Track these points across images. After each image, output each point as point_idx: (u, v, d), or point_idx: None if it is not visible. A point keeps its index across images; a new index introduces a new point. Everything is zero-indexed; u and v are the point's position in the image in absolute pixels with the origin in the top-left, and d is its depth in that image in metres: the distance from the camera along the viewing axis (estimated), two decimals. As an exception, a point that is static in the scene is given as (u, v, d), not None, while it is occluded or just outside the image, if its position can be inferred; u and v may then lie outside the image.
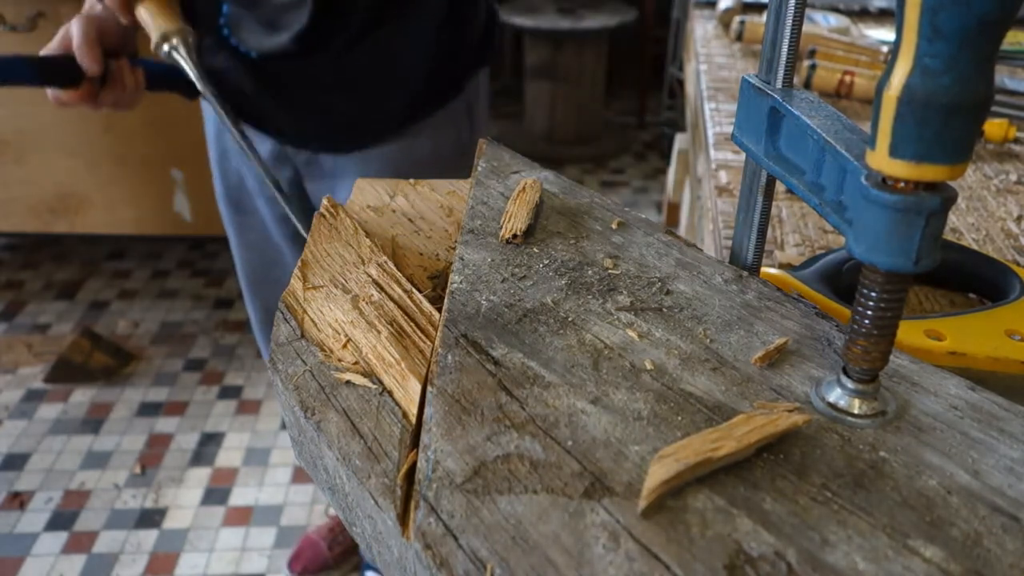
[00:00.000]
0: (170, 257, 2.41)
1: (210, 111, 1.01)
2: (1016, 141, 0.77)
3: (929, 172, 0.26)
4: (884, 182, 0.27)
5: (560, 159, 3.14)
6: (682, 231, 1.49)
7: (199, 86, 0.65)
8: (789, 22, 0.34)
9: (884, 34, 1.20)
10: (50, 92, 0.80)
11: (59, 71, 0.78)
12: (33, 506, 1.56)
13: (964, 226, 0.62)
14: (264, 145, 0.98)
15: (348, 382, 0.34)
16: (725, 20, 1.23)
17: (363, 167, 0.94)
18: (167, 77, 0.86)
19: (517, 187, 0.48)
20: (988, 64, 0.24)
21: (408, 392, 0.33)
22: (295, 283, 0.42)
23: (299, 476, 1.64)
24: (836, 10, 1.30)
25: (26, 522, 1.53)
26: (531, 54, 3.12)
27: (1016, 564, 0.25)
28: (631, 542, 0.25)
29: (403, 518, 0.29)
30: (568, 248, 0.43)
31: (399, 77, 0.91)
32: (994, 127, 0.76)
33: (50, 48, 0.80)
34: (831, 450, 0.29)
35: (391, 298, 0.40)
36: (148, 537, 1.50)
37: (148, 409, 1.82)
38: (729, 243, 0.44)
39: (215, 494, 1.60)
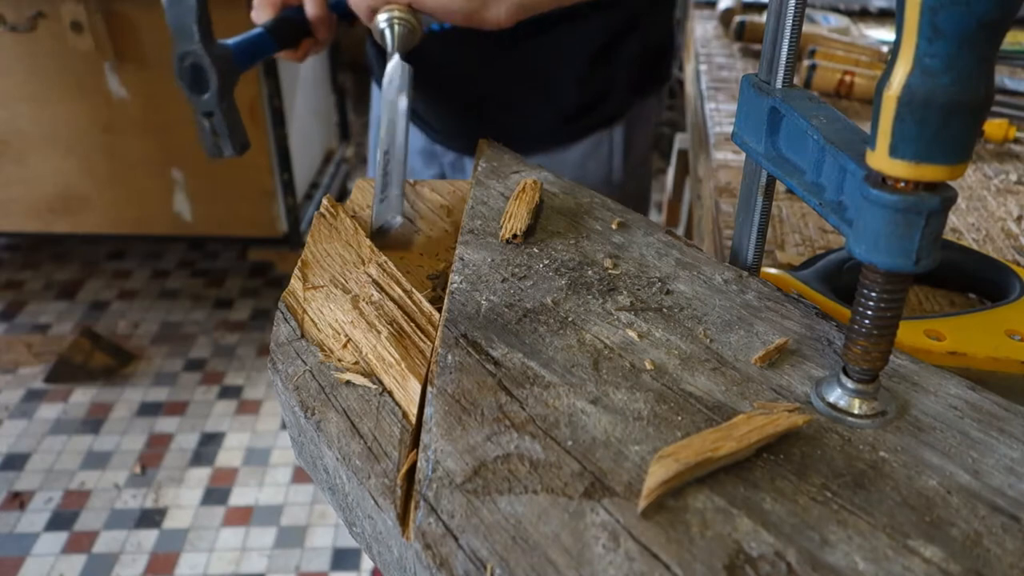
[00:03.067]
0: (170, 257, 2.41)
1: (379, 98, 1.00)
2: (1016, 141, 0.77)
3: (929, 172, 0.26)
4: (884, 182, 0.27)
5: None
6: (682, 231, 1.49)
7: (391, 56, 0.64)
8: (789, 22, 0.34)
9: (884, 34, 1.20)
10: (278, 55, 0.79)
11: (288, 36, 0.76)
12: (33, 506, 1.56)
13: (964, 226, 0.62)
14: (416, 140, 0.97)
15: (348, 382, 0.34)
16: (725, 20, 1.23)
17: None
18: (342, 10, 0.83)
19: (517, 187, 0.48)
20: (988, 64, 0.24)
21: (408, 392, 0.33)
22: (295, 283, 0.42)
23: (299, 476, 1.64)
24: (836, 10, 1.30)
25: (26, 522, 1.53)
26: (531, 54, 3.11)
27: (1016, 564, 0.25)
28: (631, 542, 0.25)
29: (403, 518, 0.29)
30: (568, 248, 0.43)
31: (547, 95, 0.88)
32: (994, 127, 0.76)
33: (264, 6, 0.77)
34: (831, 450, 0.29)
35: (391, 298, 0.40)
36: (148, 537, 1.50)
37: (148, 409, 1.82)
38: (729, 243, 0.44)
39: (215, 494, 1.60)
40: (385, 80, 0.58)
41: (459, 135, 0.95)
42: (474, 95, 0.91)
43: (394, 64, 0.59)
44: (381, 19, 0.64)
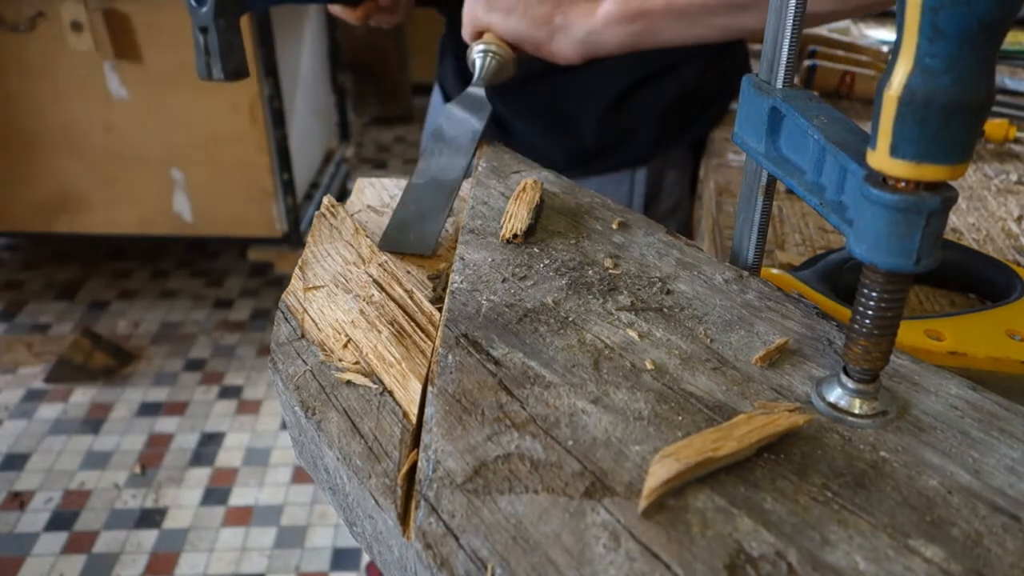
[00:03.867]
0: (170, 257, 2.41)
1: (438, 95, 1.02)
2: (1016, 141, 0.77)
3: (929, 172, 0.26)
4: (884, 182, 0.27)
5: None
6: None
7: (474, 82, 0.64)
8: (789, 22, 0.34)
9: (884, 34, 1.20)
10: (331, 7, 0.80)
11: None
12: (33, 506, 1.56)
13: (964, 226, 0.62)
14: None
15: (349, 382, 0.34)
16: (725, 20, 1.23)
17: None
18: None
19: (518, 187, 0.48)
20: (988, 64, 0.24)
21: (409, 392, 0.33)
22: (295, 283, 0.42)
23: (299, 476, 1.64)
24: (836, 10, 1.30)
25: (26, 522, 1.53)
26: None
27: (1016, 564, 0.25)
28: (632, 542, 0.25)
29: (404, 518, 0.29)
30: (569, 248, 0.43)
31: (566, 128, 0.87)
32: (994, 127, 0.76)
33: None
34: (832, 450, 0.29)
35: (392, 298, 0.40)
36: (148, 537, 1.50)
37: (148, 409, 1.82)
38: (729, 243, 0.44)
39: (215, 494, 1.60)
40: (461, 101, 0.57)
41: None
42: (502, 116, 0.90)
43: (475, 91, 0.59)
44: (477, 48, 0.65)
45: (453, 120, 0.56)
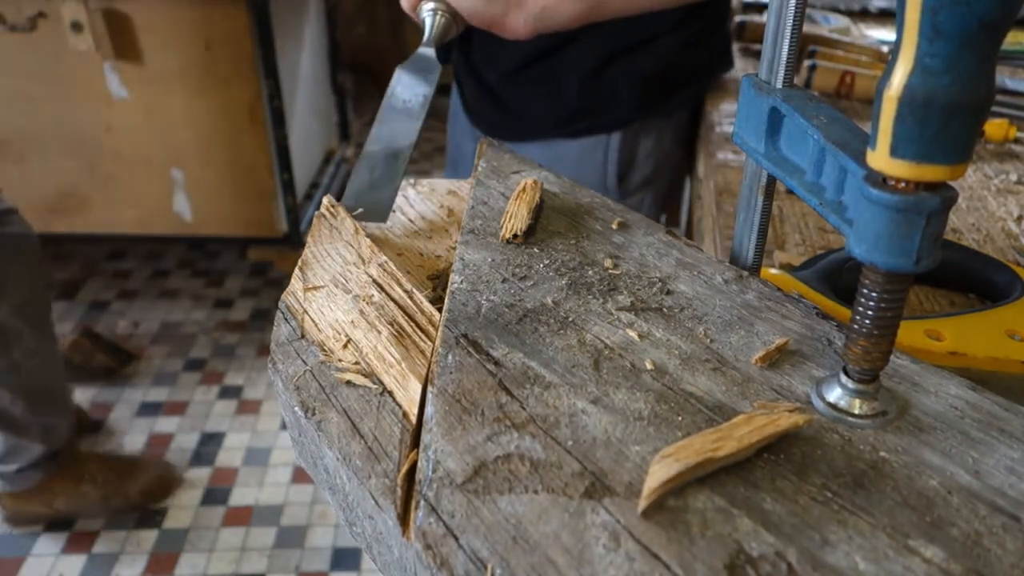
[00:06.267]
0: (170, 257, 2.41)
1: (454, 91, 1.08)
2: (1016, 141, 0.77)
3: (929, 172, 0.26)
4: (884, 182, 0.27)
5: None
6: (682, 231, 1.49)
7: (426, 45, 0.68)
8: (789, 22, 0.34)
9: (884, 34, 1.20)
10: None
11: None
12: (33, 506, 1.56)
13: (964, 226, 0.62)
14: (465, 117, 1.04)
15: (348, 382, 0.34)
16: (725, 20, 1.23)
17: None
18: None
19: (518, 187, 0.48)
20: (988, 64, 0.24)
21: (408, 392, 0.33)
22: (295, 283, 0.42)
23: (299, 476, 1.64)
24: (836, 10, 1.30)
25: (26, 522, 1.53)
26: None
27: (1016, 564, 0.25)
28: (631, 542, 0.25)
29: (403, 518, 0.29)
30: (568, 248, 0.43)
31: (551, 88, 0.92)
32: (994, 127, 0.76)
33: None
34: (832, 450, 0.29)
35: (392, 298, 0.40)
36: (148, 537, 1.50)
37: (148, 409, 1.82)
38: (729, 243, 0.44)
39: (215, 494, 1.60)
40: (410, 64, 0.59)
41: (480, 116, 1.00)
42: (491, 83, 0.95)
43: (425, 52, 0.61)
44: (427, 7, 0.67)
45: (404, 85, 0.58)
